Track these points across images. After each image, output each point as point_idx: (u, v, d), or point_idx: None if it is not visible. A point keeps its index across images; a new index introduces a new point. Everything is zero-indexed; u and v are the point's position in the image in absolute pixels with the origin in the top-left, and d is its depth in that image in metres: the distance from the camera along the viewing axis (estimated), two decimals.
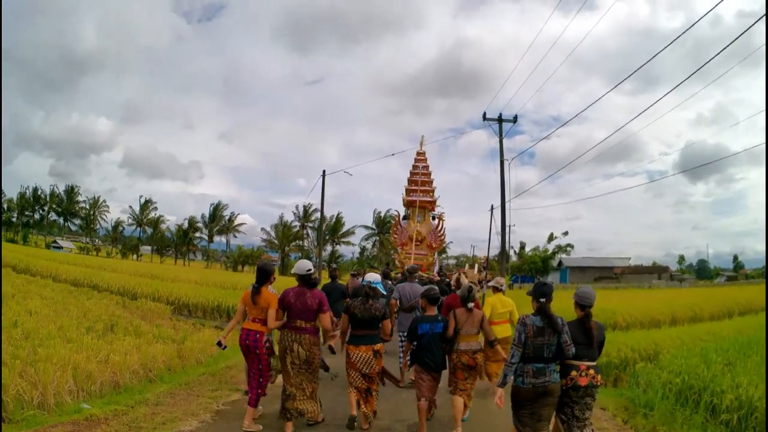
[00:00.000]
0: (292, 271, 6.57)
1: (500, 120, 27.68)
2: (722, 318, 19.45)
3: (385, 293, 7.63)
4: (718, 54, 10.64)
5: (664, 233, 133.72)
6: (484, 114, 27.71)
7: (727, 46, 10.32)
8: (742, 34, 10.00)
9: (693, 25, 11.57)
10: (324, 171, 35.00)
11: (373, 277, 7.06)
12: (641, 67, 14.78)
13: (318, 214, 71.10)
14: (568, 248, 72.35)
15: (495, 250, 54.55)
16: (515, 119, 27.96)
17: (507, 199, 26.61)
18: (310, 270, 6.16)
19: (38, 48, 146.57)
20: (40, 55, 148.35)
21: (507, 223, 26.50)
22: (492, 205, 44.90)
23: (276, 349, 6.35)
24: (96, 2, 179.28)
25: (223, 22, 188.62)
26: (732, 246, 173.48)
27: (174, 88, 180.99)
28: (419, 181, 33.94)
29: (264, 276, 6.05)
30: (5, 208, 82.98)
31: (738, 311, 21.32)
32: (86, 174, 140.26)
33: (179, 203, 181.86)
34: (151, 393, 7.38)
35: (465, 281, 8.41)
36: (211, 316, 17.39)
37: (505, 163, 26.91)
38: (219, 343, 6.26)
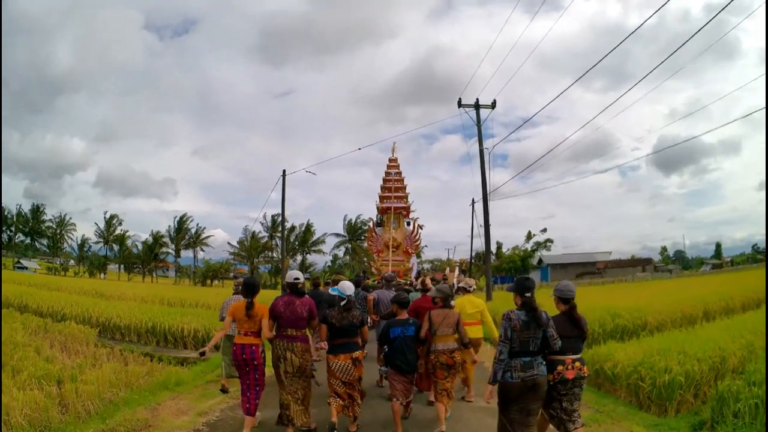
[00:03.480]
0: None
1: (477, 106, 25.50)
2: (752, 307, 16.66)
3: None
4: (683, 45, 11.10)
5: (639, 227, 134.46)
6: (459, 101, 25.51)
7: (693, 35, 10.69)
8: (707, 24, 10.57)
9: (650, 16, 11.93)
10: (284, 170, 33.35)
11: (348, 287, 6.60)
12: (601, 60, 15.45)
13: (286, 224, 69.21)
14: (548, 243, 70.95)
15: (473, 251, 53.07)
16: (494, 104, 25.61)
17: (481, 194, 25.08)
18: (297, 279, 6.36)
19: (12, 70, 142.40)
20: (14, 77, 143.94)
21: (486, 218, 24.58)
22: (473, 199, 43.22)
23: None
24: (68, 22, 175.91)
25: (195, 37, 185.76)
26: (708, 236, 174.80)
27: (148, 105, 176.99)
28: (393, 187, 33.87)
29: (253, 290, 6.10)
30: None
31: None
32: (61, 195, 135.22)
33: (153, 221, 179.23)
34: None
35: (429, 283, 8.73)
36: (146, 339, 14.36)
37: (485, 152, 25.08)
38: (202, 353, 6.24)
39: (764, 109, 12.00)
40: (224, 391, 8.14)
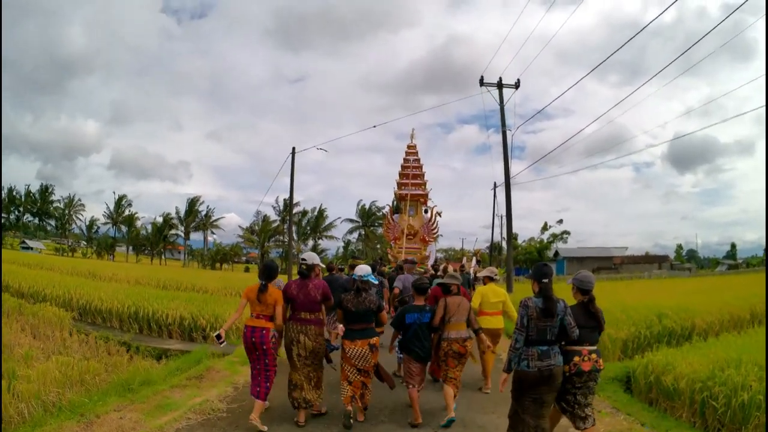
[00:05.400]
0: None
1: (500, 85, 23.97)
2: None
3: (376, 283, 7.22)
4: (696, 43, 10.94)
5: (652, 224, 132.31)
6: (482, 79, 23.93)
7: (705, 35, 11.02)
8: (720, 23, 10.87)
9: (662, 12, 12.56)
10: (294, 148, 31.86)
11: (364, 270, 6.37)
12: (614, 53, 16.18)
13: (298, 208, 68.37)
14: (565, 235, 69.43)
15: (487, 243, 52.34)
16: (517, 84, 24.00)
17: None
18: (304, 260, 6.23)
19: (26, 50, 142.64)
20: (28, 58, 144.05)
21: (501, 210, 23.84)
22: (495, 183, 43.19)
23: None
24: (84, 3, 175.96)
25: (213, 21, 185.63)
26: (720, 236, 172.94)
27: (163, 88, 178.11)
28: (411, 174, 33.65)
29: (271, 273, 6.10)
30: None
31: None
32: (74, 176, 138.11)
33: (167, 203, 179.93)
34: None
35: (450, 270, 8.94)
36: (128, 325, 12.93)
37: (508, 134, 23.71)
38: (218, 337, 5.97)
39: (764, 107, 11.48)
40: None
